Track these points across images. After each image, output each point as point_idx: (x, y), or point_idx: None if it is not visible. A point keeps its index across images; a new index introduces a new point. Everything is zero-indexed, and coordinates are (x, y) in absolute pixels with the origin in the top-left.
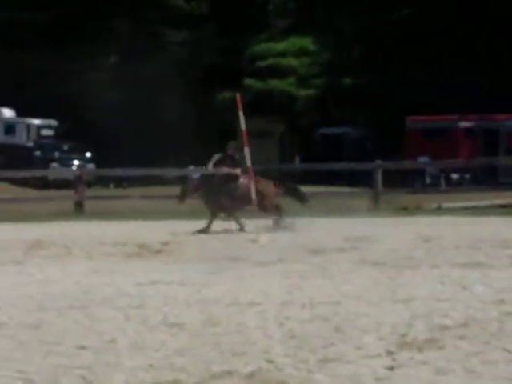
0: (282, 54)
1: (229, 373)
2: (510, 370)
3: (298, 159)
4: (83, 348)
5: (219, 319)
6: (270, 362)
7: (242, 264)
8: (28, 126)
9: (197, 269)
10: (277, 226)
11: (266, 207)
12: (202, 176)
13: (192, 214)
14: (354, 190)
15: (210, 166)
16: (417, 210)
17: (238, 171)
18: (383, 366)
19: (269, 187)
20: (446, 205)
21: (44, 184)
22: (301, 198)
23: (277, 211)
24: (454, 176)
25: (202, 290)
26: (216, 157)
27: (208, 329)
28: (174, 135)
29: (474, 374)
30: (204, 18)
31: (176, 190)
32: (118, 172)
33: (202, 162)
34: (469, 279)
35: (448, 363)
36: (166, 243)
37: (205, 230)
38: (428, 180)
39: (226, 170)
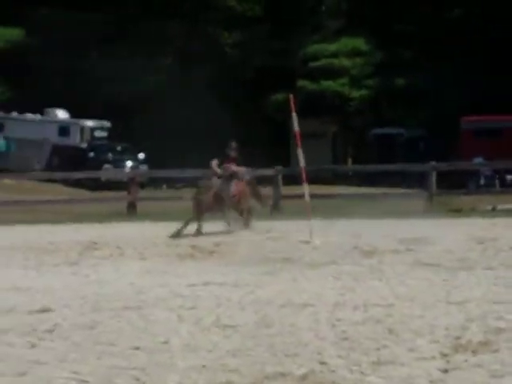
0: (335, 55)
1: (282, 374)
2: None
3: (350, 160)
4: (137, 349)
5: (272, 320)
6: (323, 363)
7: (295, 265)
8: (82, 128)
9: (250, 270)
10: (242, 227)
11: (242, 210)
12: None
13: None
14: (408, 191)
15: (215, 167)
16: (471, 211)
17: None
18: (437, 368)
19: (246, 190)
20: (500, 206)
21: (97, 185)
22: (262, 201)
23: (249, 214)
24: (509, 177)
25: (255, 291)
26: (215, 161)
27: (261, 330)
28: (227, 136)
29: None
30: (257, 19)
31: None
32: (171, 173)
33: (254, 163)
34: None
35: (502, 366)
36: (218, 244)
37: (179, 233)
38: (482, 181)
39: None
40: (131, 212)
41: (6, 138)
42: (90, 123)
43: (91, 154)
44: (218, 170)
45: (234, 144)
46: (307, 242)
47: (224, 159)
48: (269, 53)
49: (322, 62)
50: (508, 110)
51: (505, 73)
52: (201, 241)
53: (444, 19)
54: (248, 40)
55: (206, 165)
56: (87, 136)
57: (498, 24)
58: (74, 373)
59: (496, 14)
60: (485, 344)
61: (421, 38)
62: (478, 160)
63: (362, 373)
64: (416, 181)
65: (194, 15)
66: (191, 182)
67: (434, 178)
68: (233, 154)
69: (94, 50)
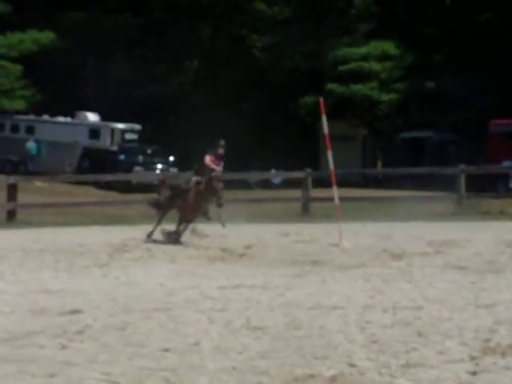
0: (364, 58)
1: (311, 376)
2: None
3: (380, 163)
4: (167, 350)
5: (301, 323)
6: (353, 366)
7: (325, 268)
8: (112, 130)
9: (279, 272)
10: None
11: (206, 212)
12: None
13: (272, 219)
14: (438, 194)
15: (209, 162)
16: (500, 214)
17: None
18: (466, 370)
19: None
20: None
21: (128, 188)
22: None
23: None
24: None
25: (285, 293)
26: (208, 157)
27: (290, 332)
28: (256, 139)
29: None
30: (287, 22)
31: (258, 193)
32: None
33: (284, 165)
34: None
35: None
36: (248, 247)
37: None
38: (511, 184)
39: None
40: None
41: (37, 141)
42: (120, 126)
43: (122, 157)
44: (214, 166)
45: (222, 142)
46: (336, 245)
47: (214, 156)
48: (298, 56)
49: (352, 65)
50: None
51: None
52: (231, 243)
53: (473, 23)
54: (277, 43)
55: (237, 167)
56: (118, 139)
57: None
58: (105, 374)
59: None
60: None
61: (450, 42)
62: (507, 163)
63: (391, 375)
64: (445, 184)
65: (222, 18)
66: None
67: (463, 180)
68: (221, 151)
69: (123, 52)
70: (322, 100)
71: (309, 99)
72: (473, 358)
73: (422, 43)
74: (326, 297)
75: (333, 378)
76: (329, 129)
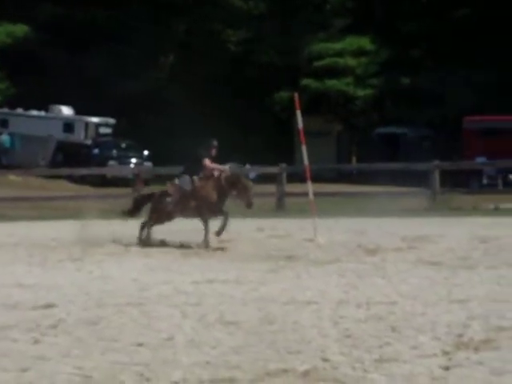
0: (340, 54)
1: (284, 371)
2: None
3: (354, 159)
4: (141, 345)
5: (275, 317)
6: (326, 360)
7: (299, 263)
8: (86, 124)
9: (254, 267)
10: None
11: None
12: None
13: (247, 213)
14: (412, 190)
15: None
16: (473, 210)
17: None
18: (439, 365)
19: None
20: (503, 205)
21: (102, 182)
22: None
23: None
24: None
25: (259, 288)
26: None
27: (264, 327)
28: (230, 134)
29: None
30: (262, 17)
31: None
32: (176, 170)
33: (259, 160)
34: None
35: (504, 364)
36: (222, 242)
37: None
38: (485, 180)
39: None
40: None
41: (11, 135)
42: (94, 120)
43: (96, 151)
44: (215, 166)
45: (215, 142)
46: (311, 240)
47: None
48: (273, 51)
49: (327, 60)
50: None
51: (510, 73)
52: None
53: (450, 19)
54: (252, 38)
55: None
56: (92, 132)
57: (504, 24)
58: (78, 368)
59: (502, 13)
60: (486, 342)
61: (426, 38)
62: (481, 159)
63: (364, 370)
64: (419, 180)
65: (197, 12)
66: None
67: (437, 176)
68: (214, 152)
69: (98, 46)
70: (296, 95)
71: (284, 94)
72: (446, 353)
73: (398, 39)
74: (300, 292)
75: (306, 373)
76: (304, 124)
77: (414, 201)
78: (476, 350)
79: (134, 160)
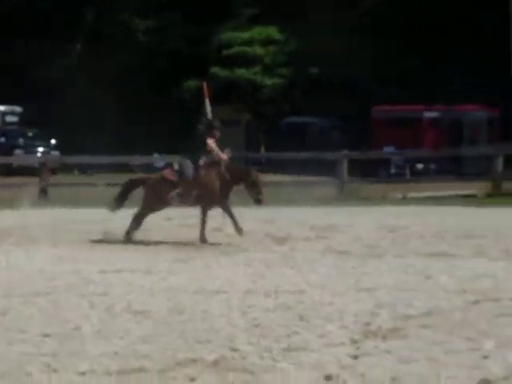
0: (248, 43)
1: (193, 360)
2: (472, 358)
3: (263, 148)
4: (48, 335)
5: (184, 307)
6: (234, 350)
7: (208, 252)
8: None
9: (162, 257)
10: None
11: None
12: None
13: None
14: (320, 179)
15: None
16: (381, 199)
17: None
18: (347, 354)
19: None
20: (410, 195)
21: (8, 171)
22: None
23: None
24: (419, 166)
25: (168, 277)
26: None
27: (173, 316)
28: (140, 123)
29: (437, 362)
30: (170, 5)
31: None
32: (83, 159)
33: (167, 150)
34: (433, 269)
35: (411, 352)
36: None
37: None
38: (393, 170)
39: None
40: (42, 198)
41: None
42: (0, 108)
43: (1, 140)
44: (221, 154)
45: (217, 123)
46: (220, 230)
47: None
48: (183, 39)
49: (236, 49)
50: (420, 100)
51: (418, 61)
52: (114, 228)
53: (357, 7)
54: (161, 26)
55: (120, 151)
56: None
57: (410, 16)
58: None
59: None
60: (394, 330)
61: (334, 28)
62: (389, 149)
63: (272, 359)
64: (328, 169)
65: (105, 1)
66: (104, 168)
67: (345, 166)
68: (217, 133)
69: (5, 35)
70: (205, 83)
71: (192, 83)
72: (354, 342)
73: (305, 28)
74: (208, 281)
75: (215, 362)
76: (213, 113)
77: (323, 190)
78: (384, 338)
79: (40, 149)
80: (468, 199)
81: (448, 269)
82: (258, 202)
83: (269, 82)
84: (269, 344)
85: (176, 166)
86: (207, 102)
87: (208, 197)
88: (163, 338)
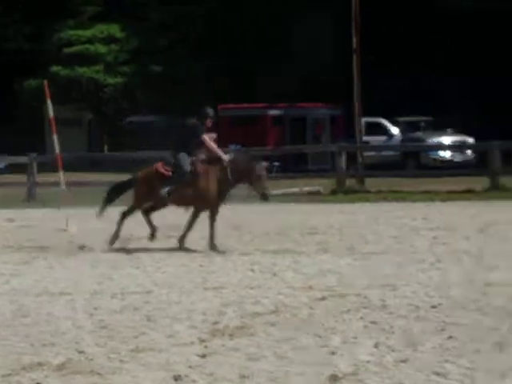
0: (90, 41)
1: (39, 364)
2: (320, 354)
3: (106, 147)
4: None
5: (29, 310)
6: (81, 352)
7: (52, 254)
8: None
9: (5, 259)
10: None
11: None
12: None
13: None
14: None
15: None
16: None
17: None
18: (195, 353)
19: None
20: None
21: None
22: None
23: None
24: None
25: (11, 280)
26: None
27: (17, 320)
28: None
29: (286, 359)
30: (10, 3)
31: None
32: None
33: (9, 150)
34: (279, 266)
35: (259, 349)
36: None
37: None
38: None
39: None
40: None
41: None
42: None
43: None
44: (220, 152)
45: (210, 111)
46: (64, 230)
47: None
48: (22, 37)
49: (77, 47)
50: (264, 100)
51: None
52: None
53: (202, 3)
54: (0, 24)
55: None
56: None
57: (253, 10)
58: None
59: None
60: (241, 328)
61: (175, 26)
62: (235, 147)
63: (120, 360)
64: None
65: None
66: None
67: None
68: (209, 124)
69: None
70: (46, 83)
71: (33, 82)
72: (202, 341)
73: (147, 27)
74: (53, 283)
75: (61, 366)
76: (55, 112)
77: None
78: (231, 336)
79: None
80: (311, 196)
81: (294, 265)
82: (265, 197)
83: (111, 80)
84: (116, 345)
85: (171, 160)
86: (49, 101)
87: (203, 200)
88: (7, 342)
